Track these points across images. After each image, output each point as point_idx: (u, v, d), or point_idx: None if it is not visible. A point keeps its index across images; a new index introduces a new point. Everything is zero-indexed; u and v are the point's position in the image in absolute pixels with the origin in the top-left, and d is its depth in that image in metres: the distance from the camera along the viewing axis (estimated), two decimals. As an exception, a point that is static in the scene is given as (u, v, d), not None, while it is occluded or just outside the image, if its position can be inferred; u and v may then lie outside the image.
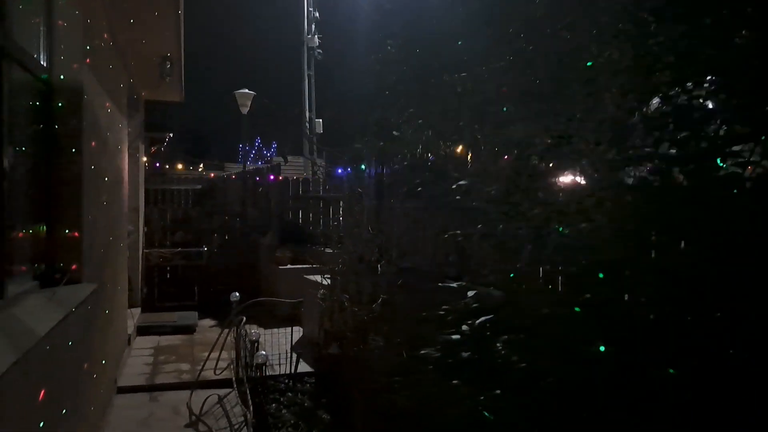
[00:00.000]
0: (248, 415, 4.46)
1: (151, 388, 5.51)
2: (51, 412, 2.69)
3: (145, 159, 8.73)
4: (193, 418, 4.89)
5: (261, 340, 6.48)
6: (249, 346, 4.67)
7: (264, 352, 4.14)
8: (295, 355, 5.98)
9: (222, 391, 5.41)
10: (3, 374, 1.92)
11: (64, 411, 2.95)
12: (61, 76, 3.68)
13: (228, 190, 10.80)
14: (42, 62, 3.54)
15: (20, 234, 3.24)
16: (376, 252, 4.60)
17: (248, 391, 4.59)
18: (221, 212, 10.18)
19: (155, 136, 19.45)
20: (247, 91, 13.11)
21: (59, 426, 2.87)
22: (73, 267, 3.58)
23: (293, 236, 9.69)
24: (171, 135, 20.99)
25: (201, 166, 17.23)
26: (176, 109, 19.59)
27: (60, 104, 3.67)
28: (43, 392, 2.51)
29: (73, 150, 3.68)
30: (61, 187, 3.63)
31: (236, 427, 4.76)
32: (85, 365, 3.59)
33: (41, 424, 2.53)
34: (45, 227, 3.54)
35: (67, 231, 3.61)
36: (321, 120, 14.58)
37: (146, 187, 9.73)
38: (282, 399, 5.24)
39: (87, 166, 3.83)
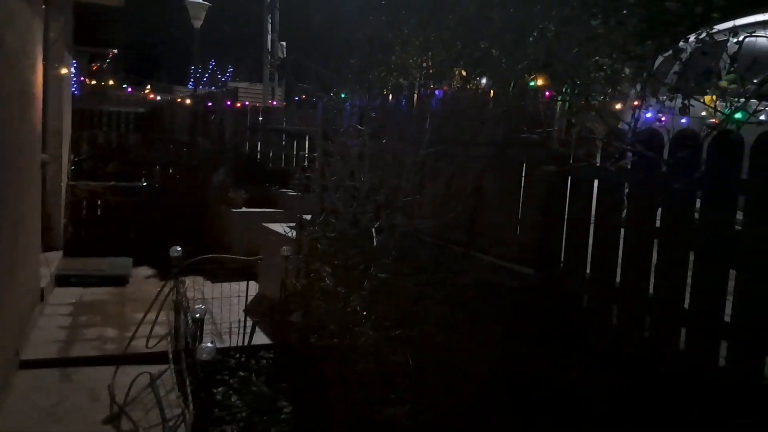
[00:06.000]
0: (186, 413, 3.40)
1: (64, 363, 4.34)
2: None
3: (66, 72, 7.20)
4: (116, 408, 3.79)
5: (208, 296, 5.37)
6: (192, 325, 3.55)
7: (211, 344, 3.02)
8: (250, 323, 4.91)
9: (155, 368, 4.31)
10: None
11: None
12: None
13: (175, 115, 9.35)
14: None
15: None
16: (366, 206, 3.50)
17: (187, 382, 3.51)
18: (166, 141, 8.76)
19: (96, 52, 17.37)
20: (200, 1, 11.37)
21: None
22: None
23: (250, 174, 8.40)
24: (115, 51, 18.92)
25: (147, 87, 15.41)
26: (122, 23, 17.50)
27: None
28: None
29: None
30: None
31: (171, 423, 3.69)
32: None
33: None
34: None
35: None
36: (284, 43, 13.00)
37: (81, 107, 8.21)
38: (232, 381, 4.20)
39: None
